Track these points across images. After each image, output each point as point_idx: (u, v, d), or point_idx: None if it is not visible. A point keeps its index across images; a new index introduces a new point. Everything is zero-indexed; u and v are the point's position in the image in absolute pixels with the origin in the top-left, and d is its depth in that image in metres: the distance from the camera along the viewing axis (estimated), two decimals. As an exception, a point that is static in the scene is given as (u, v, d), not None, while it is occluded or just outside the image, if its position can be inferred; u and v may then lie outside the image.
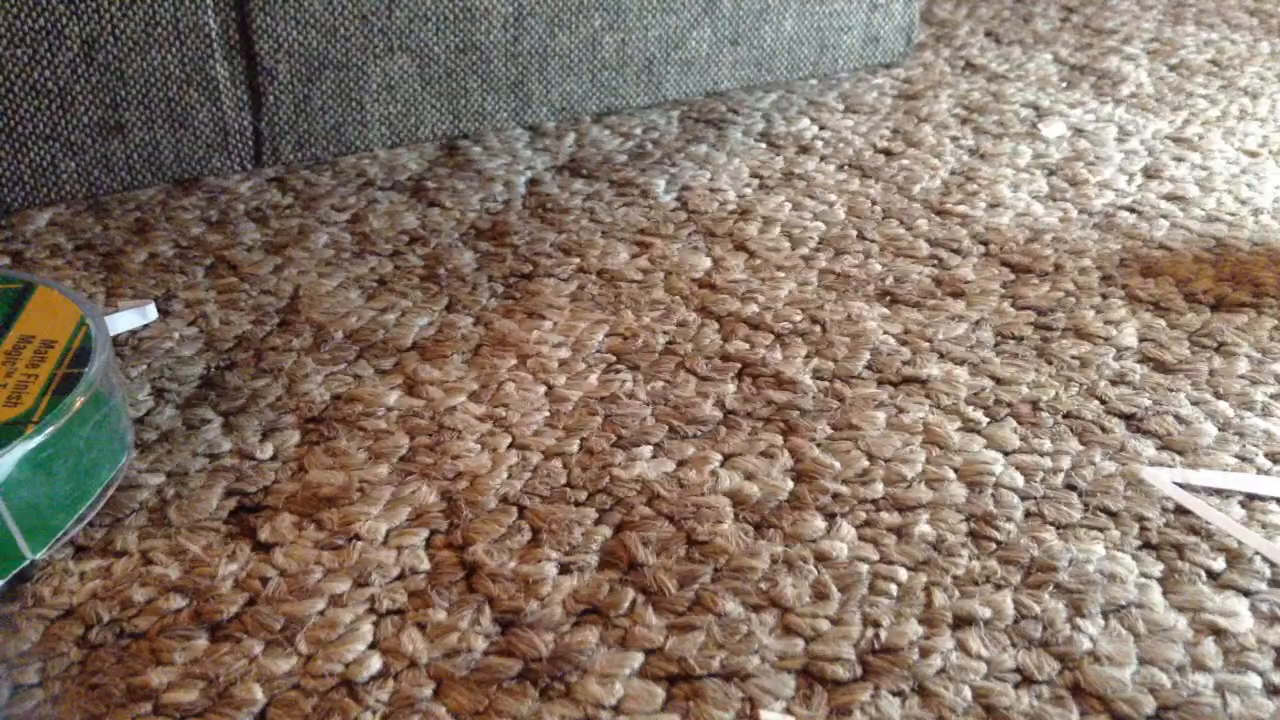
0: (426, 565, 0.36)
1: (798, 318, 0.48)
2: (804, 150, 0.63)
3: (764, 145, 0.64)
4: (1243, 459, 0.40)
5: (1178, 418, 0.42)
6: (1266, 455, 0.40)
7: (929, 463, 0.40)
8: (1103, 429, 0.41)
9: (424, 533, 0.37)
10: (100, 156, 0.57)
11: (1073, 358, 0.45)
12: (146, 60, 0.56)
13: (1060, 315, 0.48)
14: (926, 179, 0.60)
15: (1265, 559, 0.36)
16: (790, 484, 0.39)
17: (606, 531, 0.37)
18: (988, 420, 0.42)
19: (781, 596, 0.34)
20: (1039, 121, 0.66)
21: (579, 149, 0.63)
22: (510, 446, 0.41)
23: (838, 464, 0.40)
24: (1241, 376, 0.44)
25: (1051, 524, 0.37)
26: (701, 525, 0.37)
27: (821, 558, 0.36)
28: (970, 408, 0.43)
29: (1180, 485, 0.38)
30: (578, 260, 0.52)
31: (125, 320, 0.44)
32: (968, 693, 0.31)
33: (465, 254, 0.53)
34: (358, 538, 0.37)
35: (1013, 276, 0.51)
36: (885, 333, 0.47)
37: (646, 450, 0.41)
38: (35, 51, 0.54)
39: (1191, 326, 0.47)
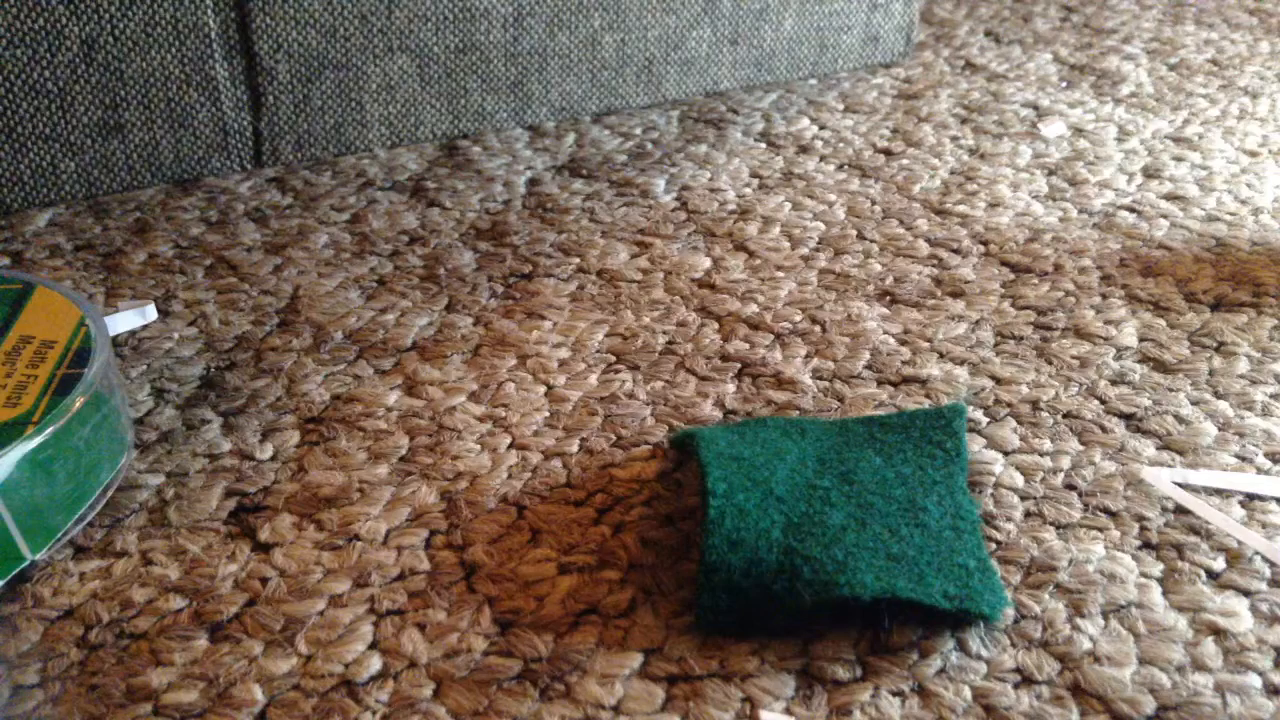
0: (426, 565, 0.36)
1: (798, 318, 0.48)
2: (804, 150, 0.63)
3: (764, 145, 0.64)
4: (1243, 459, 0.40)
5: (1178, 418, 0.42)
6: (1266, 455, 0.40)
7: (929, 463, 0.40)
8: (1103, 429, 0.41)
9: (424, 533, 0.37)
10: (100, 156, 0.57)
11: (1073, 358, 0.45)
12: (146, 60, 0.56)
13: (1060, 315, 0.48)
14: (926, 179, 0.60)
15: (1265, 559, 0.36)
16: (790, 484, 0.39)
17: (606, 531, 0.37)
18: (988, 420, 0.42)
19: (781, 596, 0.34)
20: (1039, 121, 0.66)
21: (579, 149, 0.63)
22: (510, 446, 0.41)
23: (838, 464, 0.40)
24: (1241, 376, 0.44)
25: (1051, 524, 0.37)
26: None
27: (821, 558, 0.36)
28: (970, 408, 0.43)
29: (1180, 485, 0.38)
30: (578, 260, 0.52)
31: (125, 320, 0.44)
32: (968, 693, 0.31)
33: (465, 254, 0.53)
34: (358, 538, 0.37)
35: (1013, 276, 0.51)
36: (885, 333, 0.47)
37: (646, 449, 0.41)
38: (35, 51, 0.54)
39: (1191, 326, 0.47)
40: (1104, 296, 0.49)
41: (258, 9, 0.57)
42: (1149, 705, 0.31)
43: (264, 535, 0.37)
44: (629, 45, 0.66)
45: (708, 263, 0.52)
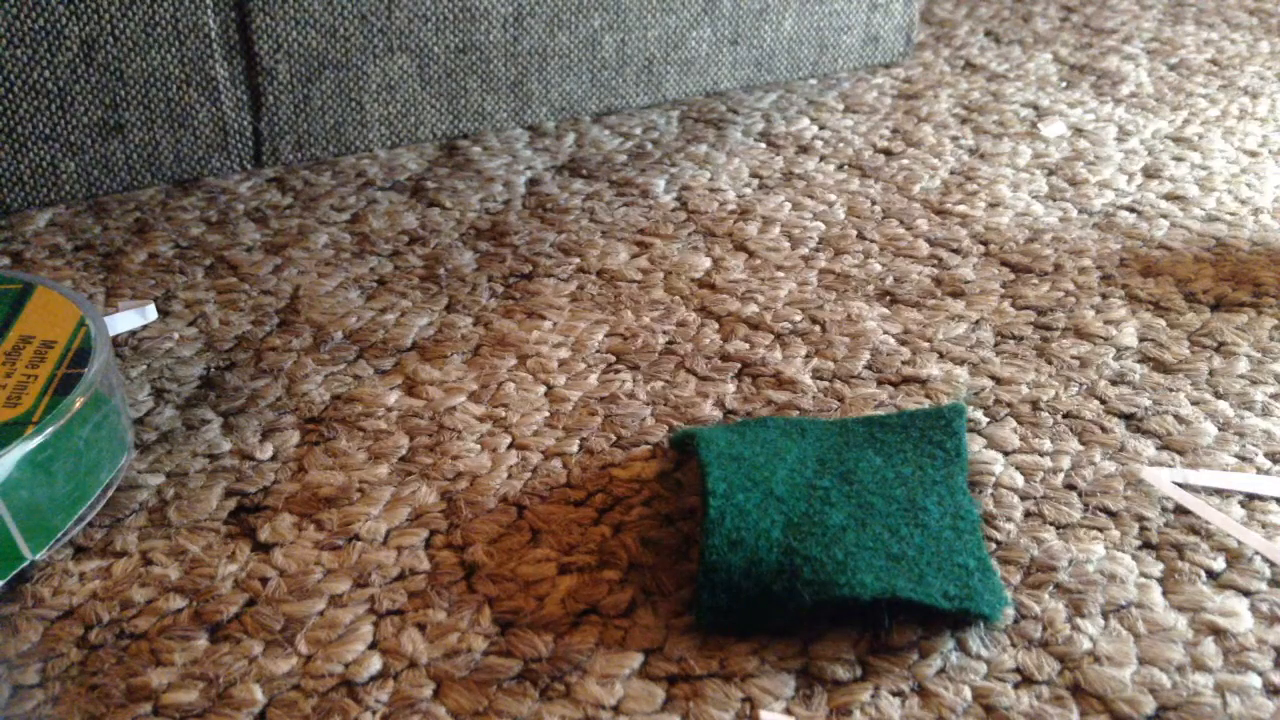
0: (426, 565, 0.36)
1: (798, 318, 0.48)
2: (804, 150, 0.63)
3: (764, 145, 0.64)
4: (1243, 459, 0.40)
5: (1178, 418, 0.42)
6: (1266, 455, 0.40)
7: (929, 463, 0.40)
8: (1103, 429, 0.41)
9: (424, 533, 0.37)
10: (100, 157, 0.57)
11: (1073, 358, 0.45)
12: (146, 60, 0.56)
13: (1060, 315, 0.48)
14: (926, 179, 0.60)
15: (1265, 559, 0.36)
16: (790, 484, 0.39)
17: (606, 531, 0.37)
18: (988, 420, 0.42)
19: (781, 596, 0.34)
20: (1039, 121, 0.66)
21: (579, 149, 0.63)
22: (510, 446, 0.41)
23: (838, 464, 0.40)
24: (1241, 376, 0.44)
25: (1051, 524, 0.37)
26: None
27: (821, 558, 0.36)
28: (970, 408, 0.43)
29: (1180, 485, 0.38)
30: (578, 260, 0.52)
31: (125, 320, 0.44)
32: (968, 693, 0.31)
33: (465, 254, 0.53)
34: (358, 538, 0.37)
35: (1013, 276, 0.51)
36: (885, 333, 0.47)
37: (645, 449, 0.41)
38: (35, 51, 0.54)
39: (1191, 326, 0.47)
40: (1104, 296, 0.49)
41: (258, 9, 0.57)
42: (1149, 705, 0.31)
43: (264, 535, 0.37)
44: (629, 45, 0.66)
45: (708, 263, 0.52)
